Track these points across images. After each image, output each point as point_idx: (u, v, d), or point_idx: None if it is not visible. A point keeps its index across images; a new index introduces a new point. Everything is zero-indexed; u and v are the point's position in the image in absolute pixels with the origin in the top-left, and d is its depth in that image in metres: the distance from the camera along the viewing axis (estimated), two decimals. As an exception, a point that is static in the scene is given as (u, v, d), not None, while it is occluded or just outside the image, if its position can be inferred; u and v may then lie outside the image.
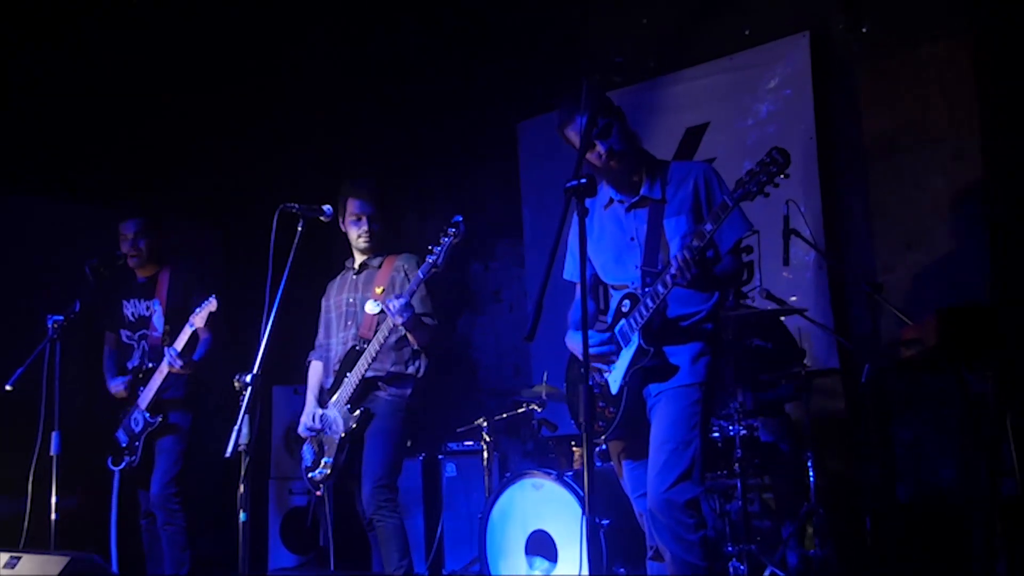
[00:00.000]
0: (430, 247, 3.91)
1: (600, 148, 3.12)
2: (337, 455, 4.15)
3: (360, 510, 4.24)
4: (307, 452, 4.33)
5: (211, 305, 4.53)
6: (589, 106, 2.91)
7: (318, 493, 4.32)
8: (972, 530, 4.12)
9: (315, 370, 4.49)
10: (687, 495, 2.98)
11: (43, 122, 5.99)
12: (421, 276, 3.94)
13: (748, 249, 4.99)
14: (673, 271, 2.92)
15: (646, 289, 3.09)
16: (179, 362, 4.55)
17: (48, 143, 6.11)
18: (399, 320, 3.92)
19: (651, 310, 3.05)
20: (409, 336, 4.13)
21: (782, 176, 2.84)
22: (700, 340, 3.15)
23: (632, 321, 3.11)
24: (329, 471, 4.17)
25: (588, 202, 3.22)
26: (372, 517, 4.05)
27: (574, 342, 3.32)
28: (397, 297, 3.93)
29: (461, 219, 3.88)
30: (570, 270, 3.46)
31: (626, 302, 3.16)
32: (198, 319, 4.55)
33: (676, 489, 2.98)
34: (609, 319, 3.25)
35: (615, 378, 3.16)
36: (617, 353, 3.17)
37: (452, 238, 3.87)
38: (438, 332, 4.22)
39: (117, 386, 4.84)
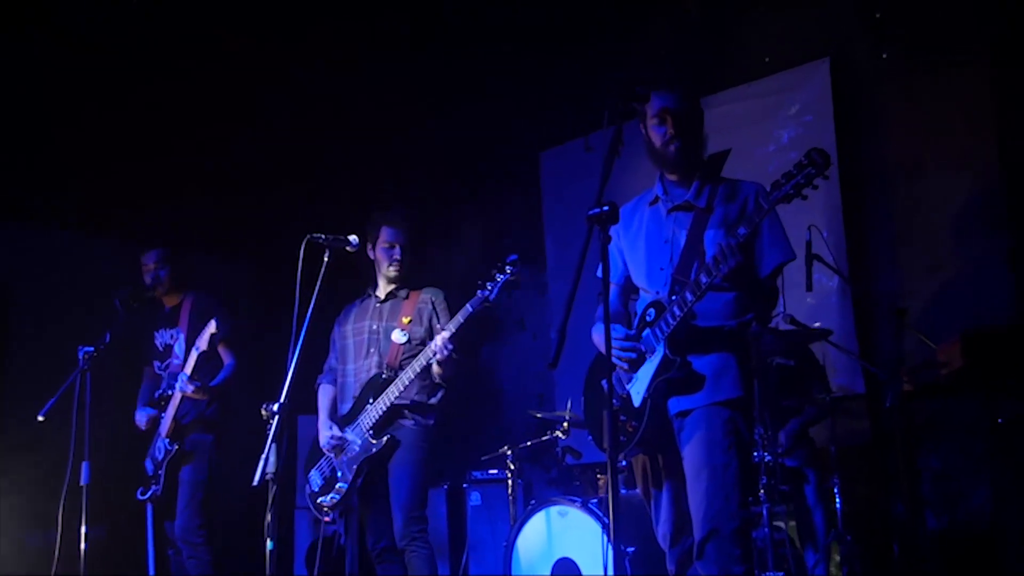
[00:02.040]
0: (481, 282, 3.86)
1: (669, 128, 3.04)
2: (354, 479, 4.13)
3: (371, 543, 4.21)
4: (316, 477, 4.30)
5: (211, 327, 4.54)
6: (613, 125, 2.77)
7: (327, 520, 4.26)
8: (1005, 559, 4.06)
9: (326, 393, 4.46)
10: (733, 523, 2.83)
11: (73, 157, 6.11)
12: (470, 310, 3.88)
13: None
14: (714, 254, 2.80)
15: (673, 297, 2.96)
16: (190, 387, 4.57)
17: (79, 179, 6.23)
18: (443, 354, 3.91)
19: (678, 319, 2.91)
20: (435, 367, 4.10)
21: (822, 178, 2.73)
22: (728, 351, 2.99)
23: (658, 330, 2.97)
24: (341, 497, 4.14)
25: (627, 206, 3.25)
26: (405, 548, 4.01)
27: (599, 334, 3.18)
28: (445, 330, 3.92)
29: (517, 258, 3.85)
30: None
31: (651, 311, 3.03)
32: (202, 342, 4.58)
33: (720, 516, 2.83)
34: (634, 327, 3.11)
35: (638, 390, 3.02)
36: (640, 360, 3.04)
37: (508, 276, 3.82)
38: (462, 367, 4.19)
39: (139, 418, 4.87)
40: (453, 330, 3.93)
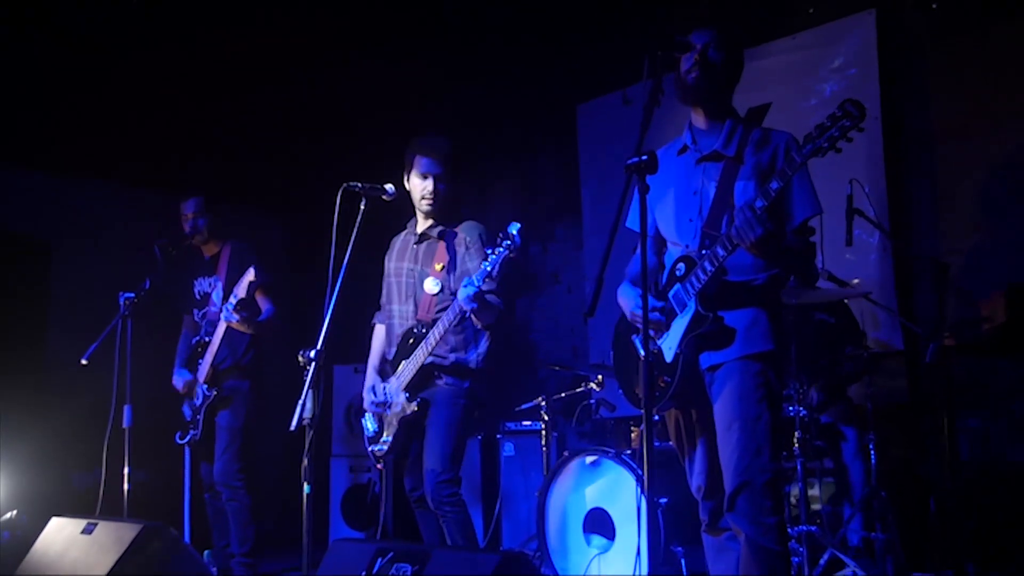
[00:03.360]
0: (487, 251, 3.66)
1: (695, 56, 2.95)
2: (396, 435, 4.06)
3: (408, 488, 4.18)
4: (370, 422, 4.22)
5: (249, 275, 4.51)
6: (653, 76, 2.72)
7: (379, 467, 4.23)
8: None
9: (379, 335, 4.30)
10: (765, 475, 2.82)
11: (113, 110, 6.18)
12: (484, 272, 3.61)
13: (811, 230, 4.92)
14: (738, 224, 2.74)
15: (704, 252, 2.89)
16: (235, 316, 4.54)
17: (118, 131, 6.30)
18: (467, 308, 3.69)
19: (709, 274, 2.86)
20: (473, 317, 3.85)
21: (857, 131, 2.61)
22: (759, 306, 2.95)
23: (688, 286, 2.93)
24: (387, 448, 4.09)
25: (663, 150, 3.15)
26: (436, 512, 3.90)
27: (625, 297, 3.11)
28: (465, 285, 3.66)
29: (519, 230, 3.58)
30: (633, 218, 3.09)
31: (680, 266, 2.98)
32: (240, 289, 4.56)
33: (752, 469, 2.81)
34: (663, 282, 3.06)
35: (669, 345, 2.98)
36: (668, 320, 3.00)
37: (507, 251, 3.58)
38: (501, 312, 3.93)
39: (176, 381, 4.91)
40: (477, 288, 3.66)
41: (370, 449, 4.23)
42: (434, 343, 3.89)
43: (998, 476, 4.61)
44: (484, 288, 3.69)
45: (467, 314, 3.80)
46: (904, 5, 5.11)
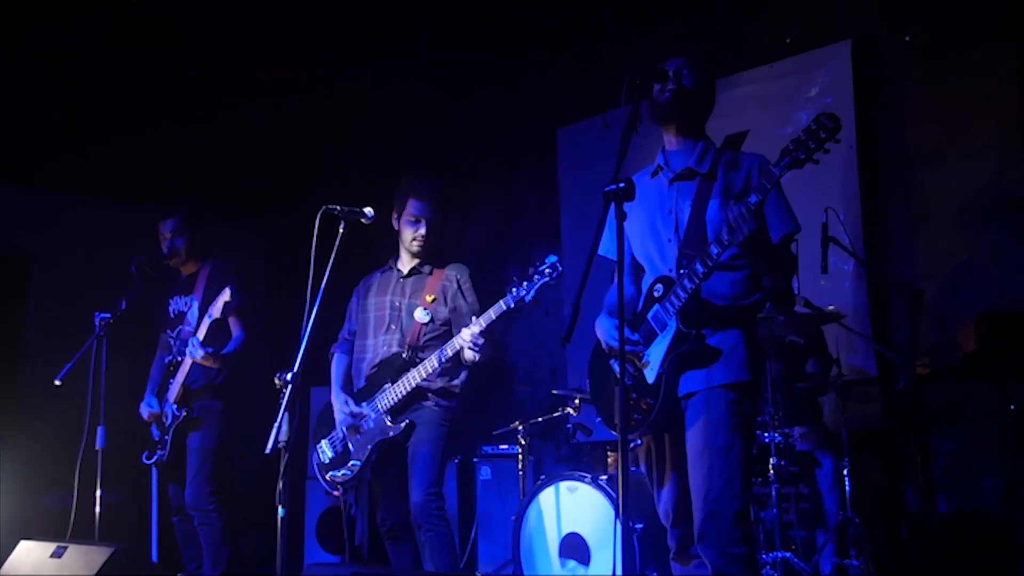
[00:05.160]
0: (516, 279, 3.75)
1: (669, 82, 2.98)
2: (367, 458, 4.06)
3: (380, 518, 4.17)
4: (327, 448, 4.22)
5: (225, 295, 4.50)
6: (630, 102, 2.73)
7: (335, 494, 4.20)
8: (1016, 544, 4.05)
9: (340, 363, 4.35)
10: (735, 505, 2.79)
11: (93, 126, 6.15)
12: (504, 308, 3.75)
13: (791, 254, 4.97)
14: (732, 217, 2.72)
15: (682, 271, 2.89)
16: (200, 352, 4.53)
17: (98, 147, 6.27)
18: (474, 348, 3.79)
19: (689, 291, 2.85)
20: (467, 354, 3.91)
21: (833, 142, 2.65)
22: (739, 328, 2.95)
23: (668, 305, 2.91)
24: (353, 474, 4.08)
25: (636, 177, 3.14)
26: (422, 525, 3.92)
27: (602, 328, 3.10)
28: (475, 324, 3.80)
29: (557, 260, 3.73)
30: (606, 246, 3.11)
31: (658, 286, 2.97)
32: (215, 309, 4.55)
33: (722, 499, 2.79)
34: (639, 307, 3.05)
35: (651, 366, 2.96)
36: (648, 343, 2.97)
37: (547, 279, 3.70)
38: (489, 352, 3.98)
39: (143, 410, 4.84)
40: (484, 325, 3.80)
41: (327, 475, 4.20)
42: (430, 369, 3.95)
43: (972, 501, 4.64)
44: (487, 327, 3.80)
45: (469, 349, 3.84)
46: (879, 36, 5.19)
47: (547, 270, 3.72)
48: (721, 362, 2.92)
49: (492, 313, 3.80)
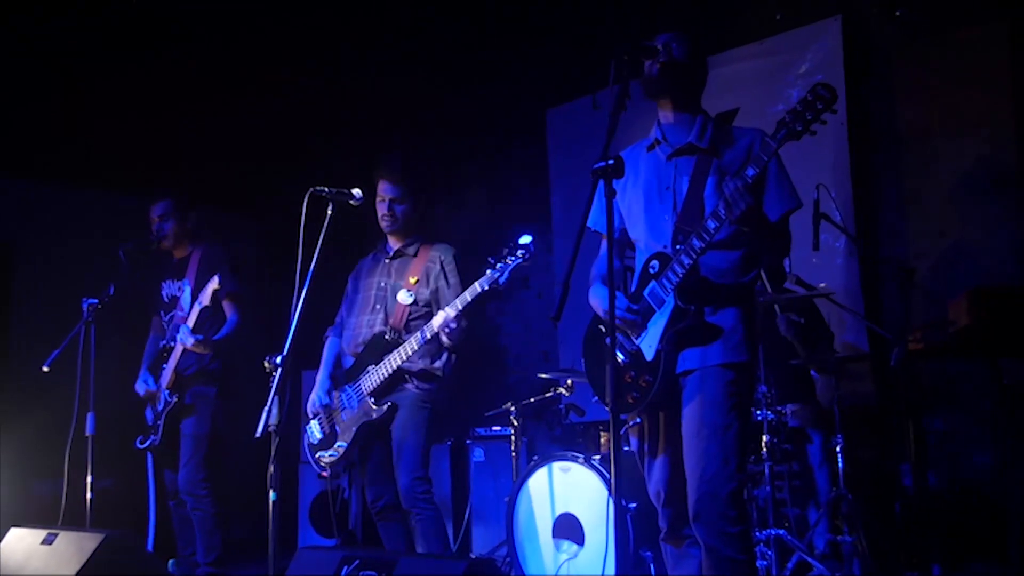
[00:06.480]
0: (492, 260, 3.74)
1: (659, 58, 2.92)
2: (354, 439, 4.08)
3: (370, 499, 4.18)
4: (315, 428, 4.25)
5: (213, 283, 4.50)
6: (619, 81, 2.65)
7: (324, 475, 4.24)
8: (1008, 521, 4.06)
9: (331, 348, 4.38)
10: (731, 485, 2.77)
11: (79, 113, 6.09)
12: (479, 290, 3.76)
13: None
14: (728, 192, 2.70)
15: (679, 247, 2.86)
16: (191, 339, 4.52)
17: (86, 135, 6.22)
18: (449, 329, 3.82)
19: (687, 267, 2.83)
20: (444, 337, 3.94)
21: (830, 112, 2.63)
22: (737, 305, 2.92)
23: (665, 281, 2.88)
24: (340, 455, 4.10)
25: (630, 150, 3.14)
26: (411, 509, 3.95)
27: (597, 297, 3.08)
28: (451, 307, 3.82)
29: (531, 241, 3.72)
30: (595, 218, 3.13)
31: (654, 263, 2.94)
32: (204, 297, 4.54)
33: (718, 478, 2.76)
34: (634, 284, 3.02)
35: (649, 343, 2.92)
36: (646, 319, 2.98)
37: (520, 260, 3.70)
38: (470, 333, 4.04)
39: (139, 386, 4.85)
40: (460, 308, 3.82)
41: (316, 456, 4.23)
42: (410, 351, 3.95)
43: (964, 477, 4.66)
44: (463, 310, 3.82)
45: (443, 332, 3.88)
46: (869, 12, 5.17)
47: (520, 252, 3.71)
48: (720, 341, 2.89)
49: (468, 295, 3.81)
